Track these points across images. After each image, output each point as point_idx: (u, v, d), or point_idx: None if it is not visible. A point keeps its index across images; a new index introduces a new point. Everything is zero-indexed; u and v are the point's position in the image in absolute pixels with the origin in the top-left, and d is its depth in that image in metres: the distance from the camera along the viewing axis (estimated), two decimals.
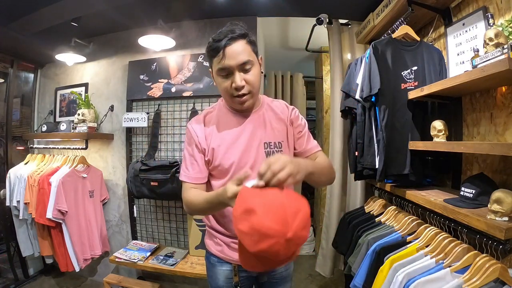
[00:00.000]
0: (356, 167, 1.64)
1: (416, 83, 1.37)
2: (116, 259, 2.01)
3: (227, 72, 0.85)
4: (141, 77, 2.24)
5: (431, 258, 1.04)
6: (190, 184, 0.94)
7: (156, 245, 2.18)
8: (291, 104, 1.09)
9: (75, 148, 2.34)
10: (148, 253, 2.06)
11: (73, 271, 2.09)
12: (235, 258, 0.96)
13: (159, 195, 1.96)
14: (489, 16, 1.09)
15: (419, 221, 1.28)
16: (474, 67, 0.98)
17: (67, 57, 2.24)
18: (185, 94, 2.14)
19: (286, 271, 1.08)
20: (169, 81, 2.19)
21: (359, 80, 1.55)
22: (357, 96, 1.55)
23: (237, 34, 0.84)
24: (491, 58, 0.91)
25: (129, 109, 2.29)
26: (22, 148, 2.59)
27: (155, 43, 2.04)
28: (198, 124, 0.97)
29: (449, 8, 1.41)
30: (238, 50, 0.83)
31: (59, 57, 2.23)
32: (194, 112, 2.12)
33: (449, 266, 0.97)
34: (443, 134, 1.22)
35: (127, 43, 2.33)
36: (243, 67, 0.85)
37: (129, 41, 2.30)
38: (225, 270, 1.01)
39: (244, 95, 0.87)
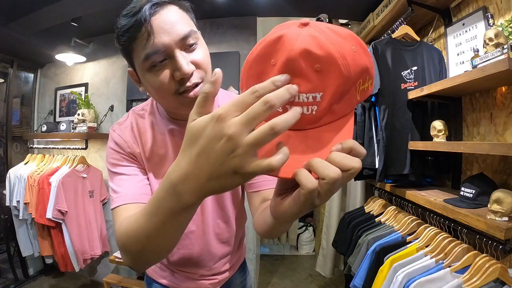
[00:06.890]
0: None
1: (416, 83, 1.37)
2: (116, 259, 2.01)
3: (161, 57, 0.53)
4: None
5: (431, 258, 1.04)
6: (125, 208, 0.56)
7: None
8: None
9: (75, 148, 2.34)
10: None
11: (73, 271, 2.09)
12: (183, 286, 0.79)
13: None
14: (489, 16, 1.09)
15: (419, 221, 1.28)
16: (474, 67, 0.98)
17: (67, 57, 2.24)
18: None
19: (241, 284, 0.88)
20: None
21: None
22: None
23: None
24: (491, 58, 0.91)
25: (129, 109, 2.29)
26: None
27: None
28: (124, 129, 0.71)
29: (449, 8, 1.41)
30: (172, 19, 0.53)
31: (59, 57, 2.23)
32: None
33: (449, 266, 0.97)
34: (443, 134, 1.22)
35: None
36: (186, 43, 0.54)
37: None
38: None
39: (196, 85, 0.56)
